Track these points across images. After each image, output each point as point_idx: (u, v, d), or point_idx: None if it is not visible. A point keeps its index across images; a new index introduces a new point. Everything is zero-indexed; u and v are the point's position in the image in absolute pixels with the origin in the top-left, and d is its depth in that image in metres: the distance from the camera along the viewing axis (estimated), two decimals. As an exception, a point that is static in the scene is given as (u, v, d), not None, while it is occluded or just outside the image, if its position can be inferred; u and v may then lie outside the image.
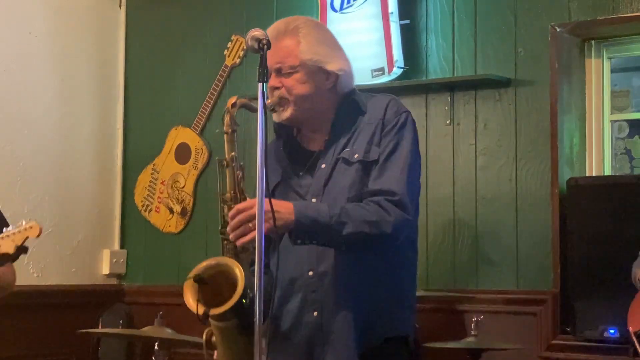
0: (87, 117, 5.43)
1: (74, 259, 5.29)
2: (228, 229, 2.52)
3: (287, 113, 2.68)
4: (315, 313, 2.66)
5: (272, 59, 2.64)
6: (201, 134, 5.33)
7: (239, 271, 2.51)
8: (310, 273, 2.66)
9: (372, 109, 2.73)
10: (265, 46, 2.44)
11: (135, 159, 5.55)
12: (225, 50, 5.25)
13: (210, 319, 2.53)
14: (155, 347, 3.83)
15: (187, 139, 5.37)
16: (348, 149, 2.69)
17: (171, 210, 5.40)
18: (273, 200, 2.46)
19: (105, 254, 5.45)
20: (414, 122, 2.74)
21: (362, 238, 2.58)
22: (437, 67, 4.64)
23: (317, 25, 2.80)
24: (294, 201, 2.61)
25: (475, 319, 3.95)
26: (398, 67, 4.60)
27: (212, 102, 5.28)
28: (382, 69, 4.61)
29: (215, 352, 2.63)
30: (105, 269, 5.44)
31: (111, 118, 5.55)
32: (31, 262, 5.06)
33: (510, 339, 4.18)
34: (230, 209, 2.56)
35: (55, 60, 5.28)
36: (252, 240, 2.43)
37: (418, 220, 2.74)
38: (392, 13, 4.60)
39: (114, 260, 5.46)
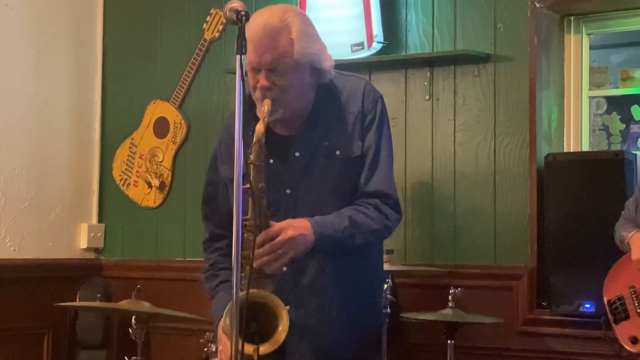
0: (64, 90, 5.38)
1: (51, 232, 5.27)
2: (256, 255, 2.47)
3: (278, 114, 2.59)
4: (288, 307, 2.62)
5: (265, 56, 2.57)
6: (180, 108, 5.30)
7: (281, 308, 2.50)
8: (285, 268, 2.61)
9: (348, 94, 2.71)
10: (244, 18, 2.36)
11: (113, 132, 5.52)
12: (205, 24, 5.21)
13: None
14: (133, 321, 3.83)
15: (166, 113, 5.34)
16: (327, 143, 2.66)
17: (149, 185, 5.39)
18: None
19: (83, 228, 5.43)
20: (384, 105, 2.76)
21: (365, 245, 2.65)
22: (416, 42, 4.63)
23: (304, 17, 2.68)
24: (308, 219, 2.56)
25: (452, 291, 3.97)
26: (377, 42, 4.59)
27: (190, 76, 5.25)
28: (361, 44, 4.59)
29: None
30: (83, 243, 5.42)
31: (89, 91, 5.51)
32: (8, 235, 5.04)
33: (487, 313, 4.20)
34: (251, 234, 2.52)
35: (31, 33, 5.22)
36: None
37: None
38: (372, -13, 4.59)
39: (92, 234, 5.44)
